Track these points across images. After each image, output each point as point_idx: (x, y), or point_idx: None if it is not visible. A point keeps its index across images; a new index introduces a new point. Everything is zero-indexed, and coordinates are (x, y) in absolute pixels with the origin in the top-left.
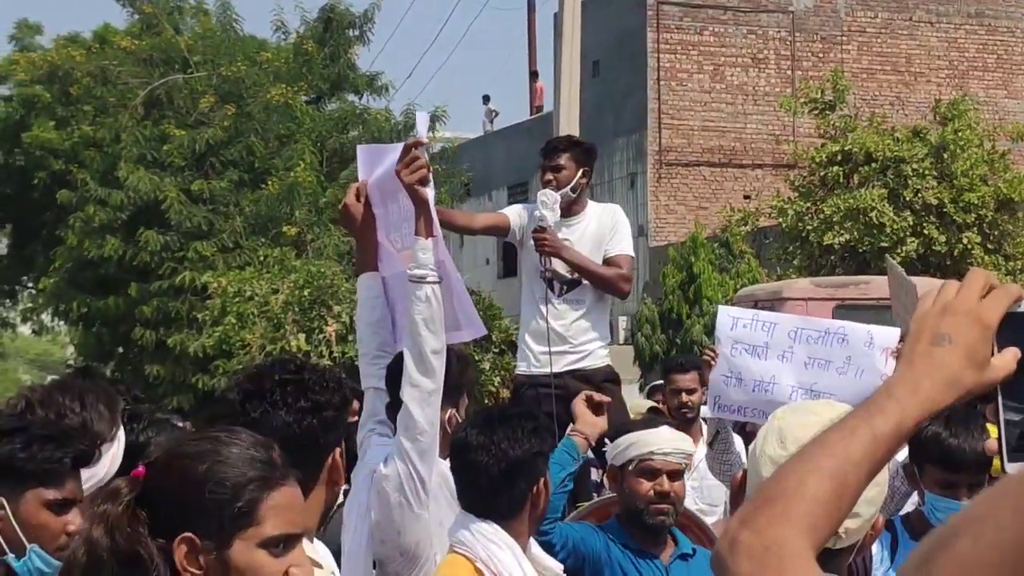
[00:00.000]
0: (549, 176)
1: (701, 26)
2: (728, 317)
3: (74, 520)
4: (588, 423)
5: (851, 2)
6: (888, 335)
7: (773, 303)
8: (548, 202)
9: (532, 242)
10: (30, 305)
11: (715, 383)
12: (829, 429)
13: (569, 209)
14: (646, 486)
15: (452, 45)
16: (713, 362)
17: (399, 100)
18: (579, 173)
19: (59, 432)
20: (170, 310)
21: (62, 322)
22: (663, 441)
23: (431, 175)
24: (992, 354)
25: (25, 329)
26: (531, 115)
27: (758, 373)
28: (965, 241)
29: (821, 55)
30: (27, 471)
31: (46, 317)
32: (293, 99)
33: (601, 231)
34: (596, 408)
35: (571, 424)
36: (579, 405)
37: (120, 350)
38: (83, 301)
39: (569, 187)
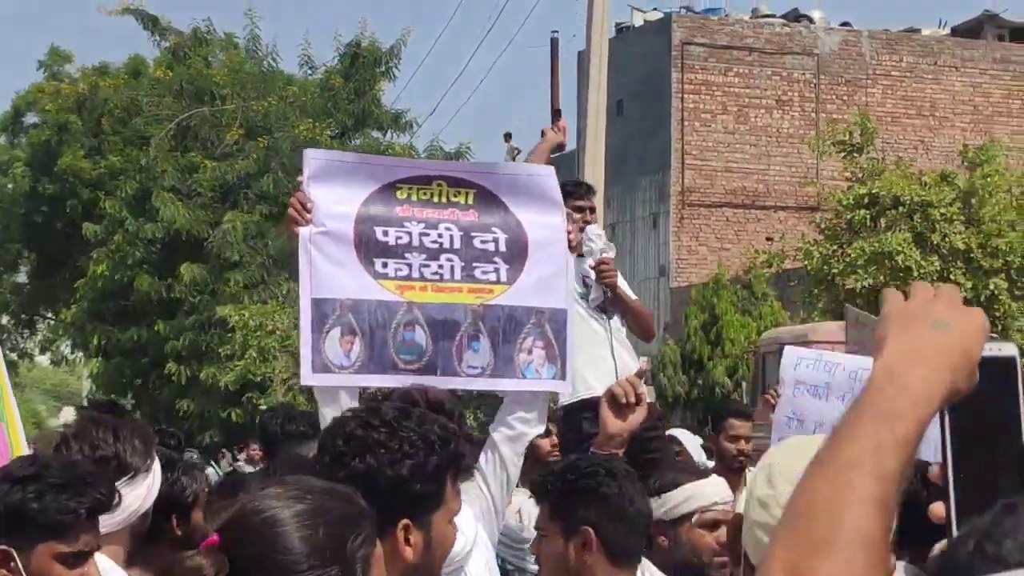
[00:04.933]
0: (589, 217)
1: (726, 67)
2: (793, 357)
3: (89, 572)
4: (613, 427)
5: (876, 45)
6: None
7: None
8: (601, 235)
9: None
10: (49, 335)
11: (779, 424)
12: (849, 442)
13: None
14: (710, 539)
15: (476, 82)
16: (775, 402)
17: (423, 136)
18: None
19: (75, 479)
20: (200, 343)
21: (81, 353)
22: (722, 490)
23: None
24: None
25: (43, 359)
26: (554, 153)
27: (818, 414)
28: (992, 287)
29: (846, 98)
30: (39, 523)
31: (65, 348)
32: (320, 134)
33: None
34: (621, 408)
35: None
36: (604, 409)
37: (139, 382)
38: (104, 333)
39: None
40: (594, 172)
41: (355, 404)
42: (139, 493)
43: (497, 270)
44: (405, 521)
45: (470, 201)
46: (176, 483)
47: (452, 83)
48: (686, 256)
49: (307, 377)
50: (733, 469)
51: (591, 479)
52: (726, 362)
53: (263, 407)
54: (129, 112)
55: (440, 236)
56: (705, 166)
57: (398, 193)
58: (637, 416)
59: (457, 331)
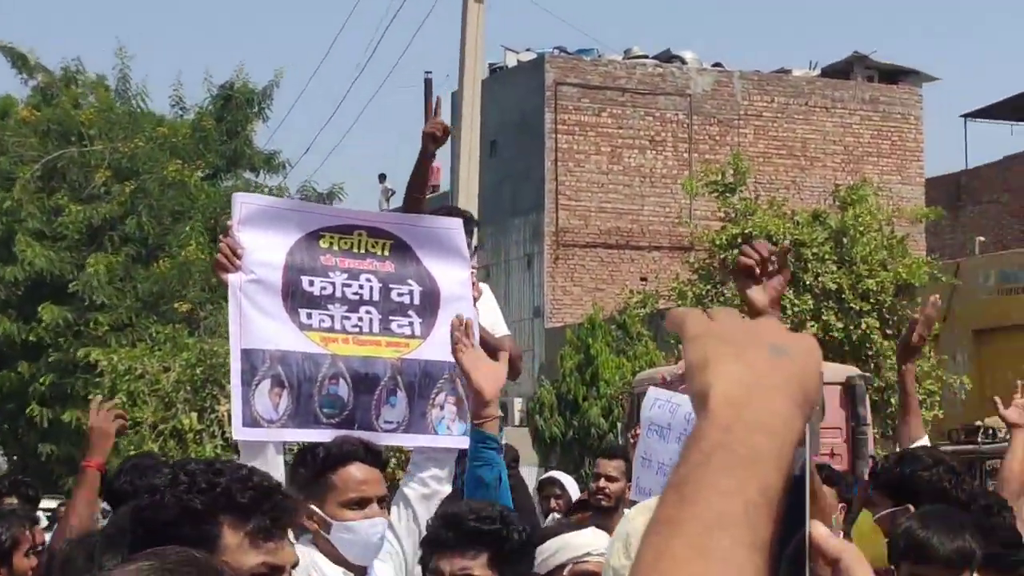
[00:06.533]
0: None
1: (599, 107)
2: (651, 397)
3: None
4: (491, 391)
5: (748, 86)
6: None
7: (674, 387)
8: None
9: None
10: None
11: (635, 465)
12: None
13: None
14: None
15: (349, 123)
16: (633, 442)
17: (296, 177)
18: None
19: None
20: (65, 386)
21: None
22: (595, 541)
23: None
24: None
25: None
26: (426, 194)
27: (662, 455)
28: (864, 326)
29: (718, 138)
30: None
31: None
32: (189, 176)
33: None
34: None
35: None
36: (475, 372)
37: (6, 426)
38: None
39: None
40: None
41: (280, 458)
42: None
43: (411, 324)
44: None
45: (386, 252)
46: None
47: (325, 124)
48: (561, 297)
49: (238, 432)
50: (603, 509)
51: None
52: (601, 402)
53: (131, 452)
54: None
55: (361, 287)
56: (579, 206)
57: (321, 242)
58: (501, 368)
59: (377, 385)
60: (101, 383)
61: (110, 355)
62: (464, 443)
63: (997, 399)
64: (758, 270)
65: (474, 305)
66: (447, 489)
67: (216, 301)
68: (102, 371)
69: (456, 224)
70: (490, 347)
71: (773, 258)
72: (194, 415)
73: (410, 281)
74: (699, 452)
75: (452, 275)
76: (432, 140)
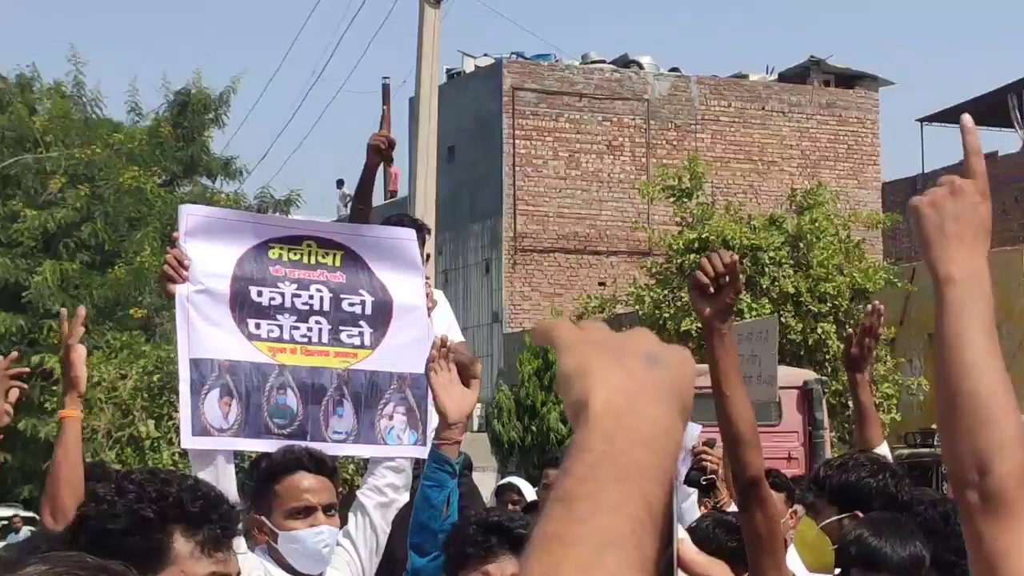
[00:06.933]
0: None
1: (557, 113)
2: None
3: None
4: (456, 413)
5: (705, 91)
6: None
7: None
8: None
9: None
10: None
11: None
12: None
13: None
14: None
15: (307, 128)
16: None
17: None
18: None
19: None
20: (20, 394)
21: None
22: None
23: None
24: None
25: None
26: (385, 199)
27: None
28: (821, 331)
29: (676, 143)
30: None
31: None
32: (146, 182)
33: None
34: (454, 389)
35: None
36: (441, 394)
37: None
38: None
39: None
40: (425, 218)
41: (231, 466)
42: None
43: (361, 334)
44: None
45: (337, 263)
46: None
47: (282, 130)
48: (519, 302)
49: (187, 440)
50: None
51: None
52: (560, 408)
53: (87, 460)
54: None
55: (311, 297)
56: (537, 211)
57: (270, 253)
58: (472, 395)
59: (324, 396)
60: (56, 391)
61: None
62: (415, 452)
63: None
64: (711, 288)
65: (428, 315)
66: (404, 498)
67: (172, 308)
68: (58, 379)
69: (409, 235)
70: (463, 364)
71: (726, 276)
72: (151, 422)
73: (362, 291)
74: (583, 465)
75: (405, 285)
76: (376, 152)
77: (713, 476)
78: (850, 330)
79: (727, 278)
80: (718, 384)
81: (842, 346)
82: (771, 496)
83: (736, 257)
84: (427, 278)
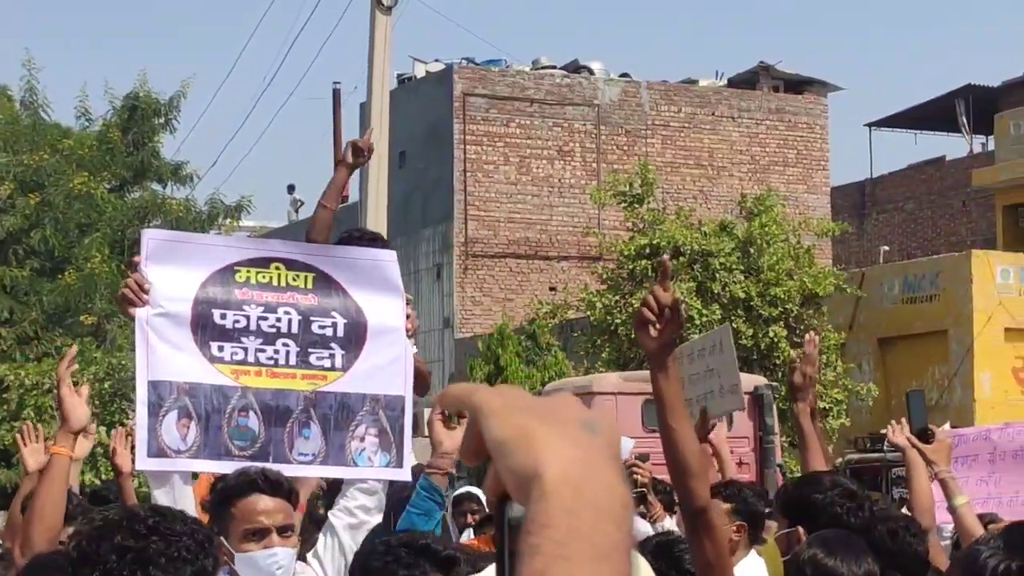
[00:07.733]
0: None
1: (507, 118)
2: None
3: None
4: (450, 444)
5: (655, 96)
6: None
7: (582, 398)
8: None
9: None
10: None
11: None
12: None
13: None
14: None
15: (258, 134)
16: None
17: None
18: None
19: None
20: None
21: None
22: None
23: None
24: None
25: None
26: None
27: None
28: (772, 335)
29: (626, 148)
30: None
31: None
32: (95, 188)
33: None
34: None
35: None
36: (436, 424)
37: None
38: None
39: None
40: (377, 223)
41: (188, 488)
42: None
43: (332, 356)
44: None
45: (309, 285)
46: None
47: (233, 135)
48: (470, 307)
49: (142, 461)
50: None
51: None
52: None
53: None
54: None
55: (279, 320)
56: (488, 216)
57: (237, 276)
58: (463, 428)
59: (289, 418)
60: (8, 398)
61: (17, 370)
62: (386, 474)
63: (892, 423)
64: (657, 324)
65: (409, 336)
66: (376, 519)
67: (123, 316)
68: (8, 386)
69: (390, 256)
70: (421, 375)
71: (669, 313)
72: (103, 430)
73: (334, 313)
74: (551, 542)
75: (383, 307)
76: (353, 149)
77: (643, 489)
78: (801, 336)
79: (671, 312)
80: (663, 417)
81: (792, 352)
82: (719, 524)
83: (679, 296)
84: (409, 299)
